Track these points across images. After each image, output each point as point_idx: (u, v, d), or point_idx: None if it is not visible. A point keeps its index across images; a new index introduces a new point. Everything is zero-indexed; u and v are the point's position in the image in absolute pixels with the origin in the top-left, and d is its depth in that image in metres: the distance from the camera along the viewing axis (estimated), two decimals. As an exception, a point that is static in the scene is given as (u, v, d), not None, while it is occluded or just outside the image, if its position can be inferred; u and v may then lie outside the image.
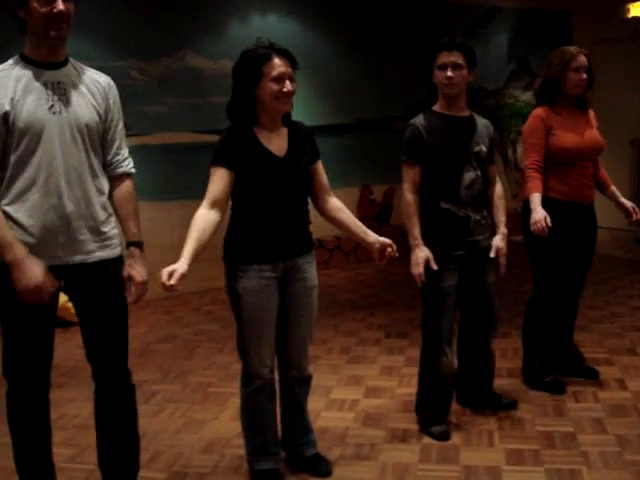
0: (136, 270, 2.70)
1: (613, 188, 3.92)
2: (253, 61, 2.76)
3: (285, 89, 2.75)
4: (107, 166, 2.70)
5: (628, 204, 3.84)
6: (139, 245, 2.75)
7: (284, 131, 2.90)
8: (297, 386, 3.11)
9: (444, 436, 3.43)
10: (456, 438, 3.43)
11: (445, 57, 3.26)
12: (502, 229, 3.50)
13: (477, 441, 3.40)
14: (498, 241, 3.45)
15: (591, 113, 3.85)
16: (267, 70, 2.74)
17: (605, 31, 8.36)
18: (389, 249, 2.95)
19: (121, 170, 2.73)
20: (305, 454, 3.16)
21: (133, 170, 2.78)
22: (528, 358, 3.99)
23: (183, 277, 2.52)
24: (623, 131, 8.42)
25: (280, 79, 2.75)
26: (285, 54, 2.79)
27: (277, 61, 2.75)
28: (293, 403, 3.14)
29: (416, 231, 3.30)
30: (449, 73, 3.25)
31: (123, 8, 6.18)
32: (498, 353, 3.80)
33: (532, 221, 3.52)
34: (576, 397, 3.83)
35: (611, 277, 6.52)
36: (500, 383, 3.94)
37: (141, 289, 2.71)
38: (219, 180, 2.78)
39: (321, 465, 3.16)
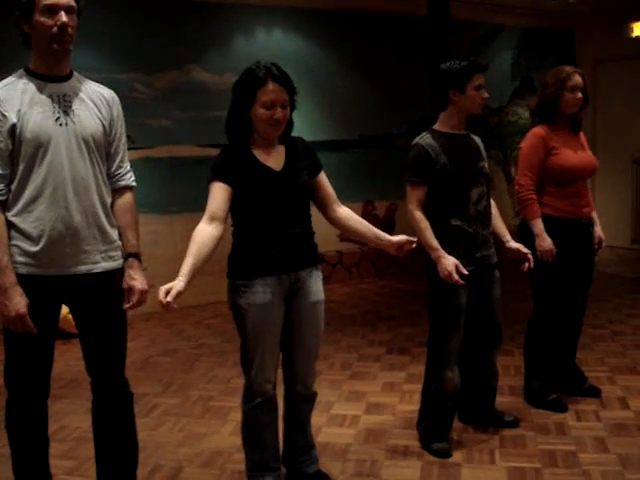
0: (137, 280, 2.71)
1: (594, 214, 3.93)
2: (248, 83, 2.76)
3: (275, 116, 2.74)
4: (109, 178, 2.72)
5: (598, 234, 3.90)
6: (138, 256, 2.75)
7: (281, 148, 2.90)
8: (302, 403, 3.09)
9: (445, 453, 3.42)
10: (457, 455, 3.42)
11: (481, 78, 3.34)
12: (508, 236, 3.55)
13: (479, 459, 3.39)
14: (515, 243, 3.52)
15: (582, 134, 3.90)
16: (260, 95, 2.73)
17: (608, 50, 8.41)
18: (407, 245, 2.92)
19: (123, 183, 2.75)
20: (306, 471, 3.13)
21: (134, 183, 2.80)
22: (529, 377, 3.98)
23: (180, 295, 2.53)
24: (626, 150, 8.46)
25: (271, 106, 2.73)
26: (282, 79, 2.75)
27: (271, 87, 2.73)
28: (297, 420, 3.12)
29: (434, 242, 3.28)
30: (487, 94, 3.35)
31: (129, 22, 6.24)
32: (500, 371, 3.78)
33: (540, 248, 3.64)
34: (578, 416, 3.82)
35: (613, 295, 6.51)
36: (502, 401, 3.92)
37: (141, 297, 2.72)
38: (217, 195, 2.78)
39: (322, 482, 3.14)
